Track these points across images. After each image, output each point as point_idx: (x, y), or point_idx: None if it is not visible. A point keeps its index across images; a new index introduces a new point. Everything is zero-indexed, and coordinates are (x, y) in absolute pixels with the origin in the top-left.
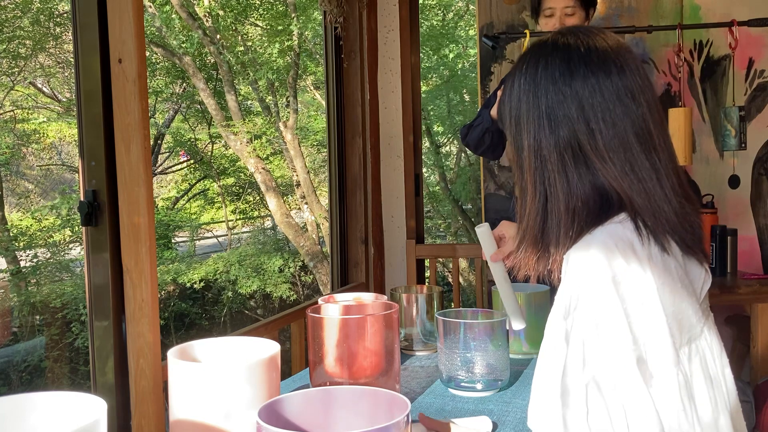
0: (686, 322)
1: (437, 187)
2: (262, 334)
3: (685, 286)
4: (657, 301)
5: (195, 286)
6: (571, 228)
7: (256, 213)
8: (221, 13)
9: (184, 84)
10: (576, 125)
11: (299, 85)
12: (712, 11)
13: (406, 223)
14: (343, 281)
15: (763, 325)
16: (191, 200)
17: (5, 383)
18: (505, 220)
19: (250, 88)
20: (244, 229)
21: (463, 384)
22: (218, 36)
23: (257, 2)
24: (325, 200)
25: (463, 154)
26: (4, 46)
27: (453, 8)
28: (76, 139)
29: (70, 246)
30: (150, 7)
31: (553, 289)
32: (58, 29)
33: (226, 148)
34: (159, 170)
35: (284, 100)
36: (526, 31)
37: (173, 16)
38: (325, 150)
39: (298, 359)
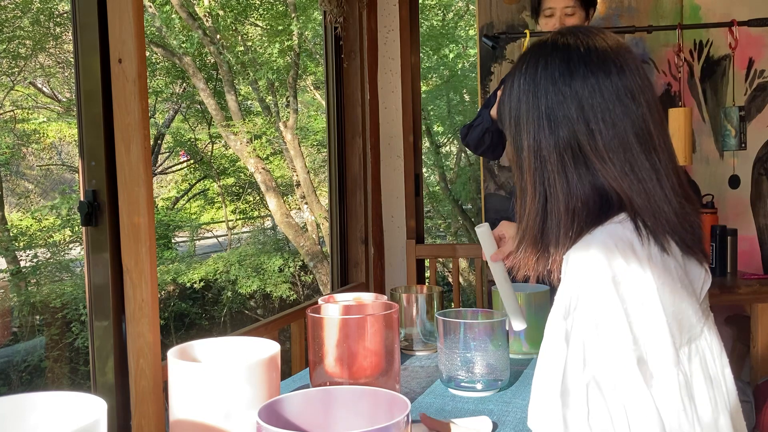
0: (686, 322)
1: (437, 187)
2: (262, 334)
3: (685, 286)
4: (657, 301)
5: (195, 286)
6: (571, 228)
7: (256, 213)
8: (221, 13)
9: (184, 84)
10: (576, 125)
11: (299, 85)
12: (712, 11)
13: (406, 223)
14: (343, 281)
15: (763, 325)
16: (191, 200)
17: (5, 383)
18: (505, 220)
19: (250, 88)
20: (244, 229)
21: (463, 384)
22: (218, 36)
23: (257, 2)
24: (325, 200)
25: (463, 154)
26: (4, 46)
27: (453, 8)
28: (76, 139)
29: (70, 246)
30: (150, 7)
31: (553, 290)
32: (58, 29)
33: (226, 148)
34: (159, 170)
35: (284, 100)
36: (526, 31)
37: (173, 16)
38: (325, 150)
39: (298, 359)
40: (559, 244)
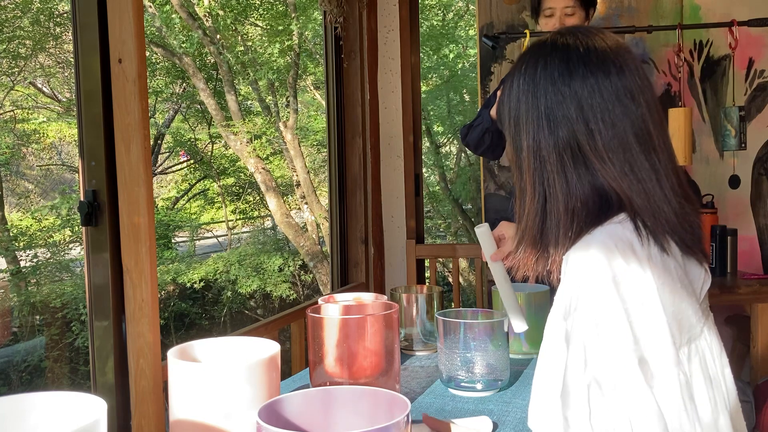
0: (686, 322)
1: (437, 187)
2: (262, 334)
3: (685, 287)
4: (657, 301)
5: (195, 286)
6: (571, 228)
7: (256, 213)
8: (221, 13)
9: (184, 84)
10: (575, 126)
11: (299, 85)
12: (712, 11)
13: (406, 223)
14: (343, 281)
15: (763, 325)
16: (191, 200)
17: (5, 383)
18: (505, 221)
19: (250, 88)
20: (244, 229)
21: (463, 384)
22: (218, 36)
23: (257, 2)
24: (325, 200)
25: (463, 154)
26: (4, 46)
27: (453, 8)
28: (76, 139)
29: (70, 246)
30: (150, 7)
31: (552, 290)
32: (58, 29)
33: (226, 148)
34: (159, 170)
35: (284, 100)
36: (526, 31)
37: (173, 16)
38: (325, 150)
39: (298, 359)
40: (559, 244)
